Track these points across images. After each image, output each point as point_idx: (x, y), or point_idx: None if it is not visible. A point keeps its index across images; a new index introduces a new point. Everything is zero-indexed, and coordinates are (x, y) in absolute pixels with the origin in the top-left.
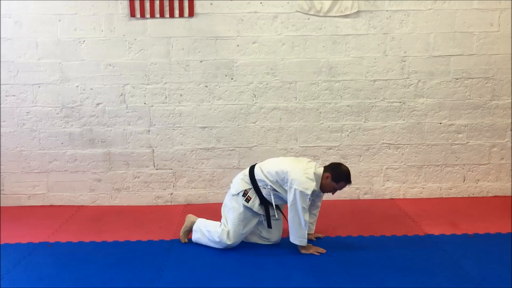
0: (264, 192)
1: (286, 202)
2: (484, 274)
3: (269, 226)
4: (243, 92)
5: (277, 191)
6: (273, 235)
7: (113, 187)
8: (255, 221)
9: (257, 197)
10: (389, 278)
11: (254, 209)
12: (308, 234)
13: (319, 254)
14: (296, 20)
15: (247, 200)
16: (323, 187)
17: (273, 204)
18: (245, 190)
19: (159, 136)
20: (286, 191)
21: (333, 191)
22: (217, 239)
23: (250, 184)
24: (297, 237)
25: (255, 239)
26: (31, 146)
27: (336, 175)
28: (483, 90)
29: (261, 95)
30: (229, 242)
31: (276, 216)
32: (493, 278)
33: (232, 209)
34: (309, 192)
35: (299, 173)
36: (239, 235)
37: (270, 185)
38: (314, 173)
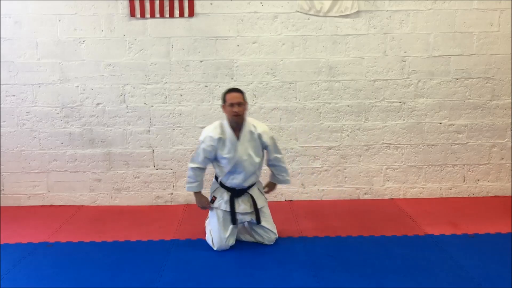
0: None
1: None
2: (484, 274)
3: (234, 222)
4: None
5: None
6: (266, 238)
7: (113, 187)
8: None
9: (225, 193)
10: (389, 278)
11: (222, 208)
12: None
13: (201, 207)
14: (296, 20)
15: (212, 201)
16: (228, 117)
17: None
18: (213, 196)
19: (159, 136)
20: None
21: (231, 107)
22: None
23: (216, 181)
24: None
25: (250, 239)
26: (31, 146)
27: (223, 95)
28: (483, 90)
29: (261, 95)
30: (214, 248)
31: (246, 210)
32: (493, 278)
33: (211, 216)
34: (201, 139)
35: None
36: (221, 240)
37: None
38: (220, 123)
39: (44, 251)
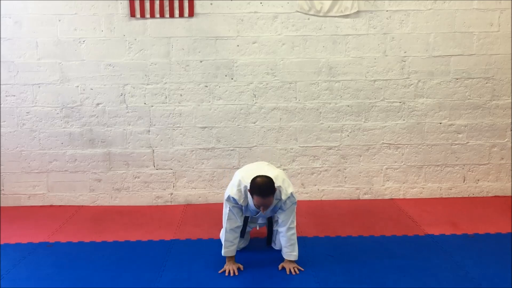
0: None
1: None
2: (484, 274)
3: (242, 235)
4: (243, 92)
5: None
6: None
7: (113, 187)
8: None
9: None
10: (389, 278)
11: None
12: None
13: (227, 273)
14: (296, 20)
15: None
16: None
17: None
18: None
19: (159, 136)
20: None
21: (257, 207)
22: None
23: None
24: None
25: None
26: (31, 146)
27: (251, 188)
28: (483, 90)
29: (261, 95)
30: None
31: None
32: (493, 278)
33: (224, 214)
34: (226, 198)
35: (232, 181)
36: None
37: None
38: (245, 190)
39: (44, 251)
